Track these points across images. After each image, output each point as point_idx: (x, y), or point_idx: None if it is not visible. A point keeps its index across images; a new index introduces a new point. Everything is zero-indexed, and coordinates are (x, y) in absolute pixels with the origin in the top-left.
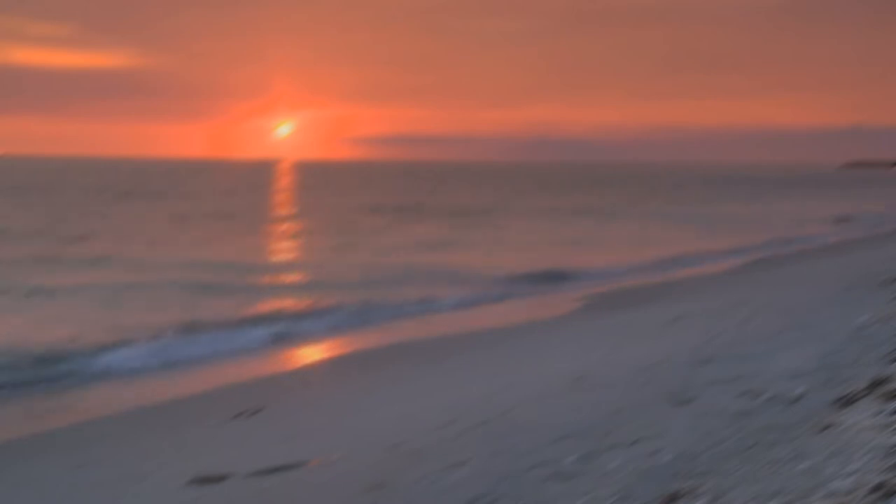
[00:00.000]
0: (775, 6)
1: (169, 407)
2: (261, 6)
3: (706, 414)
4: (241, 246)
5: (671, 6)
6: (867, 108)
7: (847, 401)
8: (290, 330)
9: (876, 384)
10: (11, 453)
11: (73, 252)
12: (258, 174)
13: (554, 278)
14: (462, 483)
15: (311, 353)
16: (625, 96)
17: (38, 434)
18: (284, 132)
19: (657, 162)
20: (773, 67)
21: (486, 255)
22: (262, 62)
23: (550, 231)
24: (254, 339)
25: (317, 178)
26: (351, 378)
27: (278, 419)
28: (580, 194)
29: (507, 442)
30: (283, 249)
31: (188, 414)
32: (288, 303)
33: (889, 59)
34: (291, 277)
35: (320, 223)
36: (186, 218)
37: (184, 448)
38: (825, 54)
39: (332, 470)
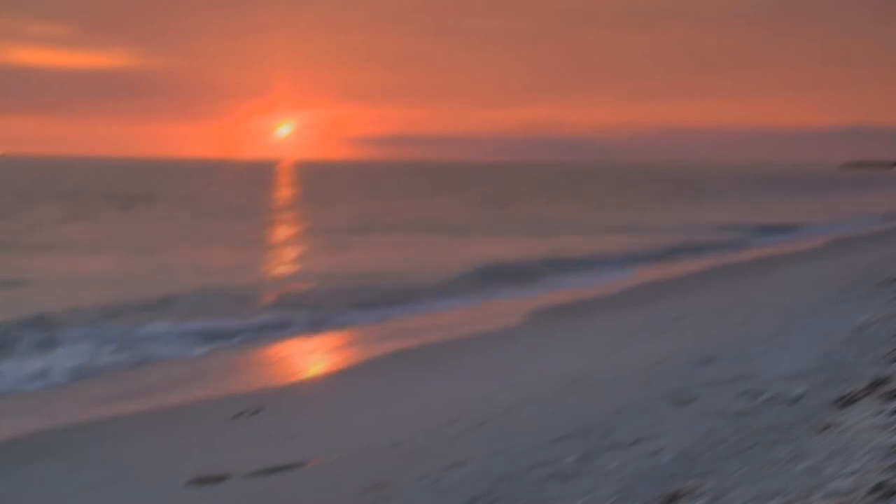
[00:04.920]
0: (775, 6)
1: (169, 407)
2: (261, 6)
3: (706, 414)
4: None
5: (670, 6)
6: (867, 108)
7: (847, 401)
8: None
9: (876, 384)
10: (11, 453)
11: None
12: (262, 175)
13: None
14: (462, 483)
15: (311, 355)
16: (624, 96)
17: (39, 434)
18: (285, 132)
19: (658, 162)
20: (773, 67)
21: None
22: (263, 62)
23: None
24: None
25: (325, 180)
26: (351, 379)
27: (278, 419)
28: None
29: (507, 442)
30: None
31: (188, 414)
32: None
33: (889, 59)
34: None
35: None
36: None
37: (184, 448)
38: (825, 54)
39: (332, 470)
